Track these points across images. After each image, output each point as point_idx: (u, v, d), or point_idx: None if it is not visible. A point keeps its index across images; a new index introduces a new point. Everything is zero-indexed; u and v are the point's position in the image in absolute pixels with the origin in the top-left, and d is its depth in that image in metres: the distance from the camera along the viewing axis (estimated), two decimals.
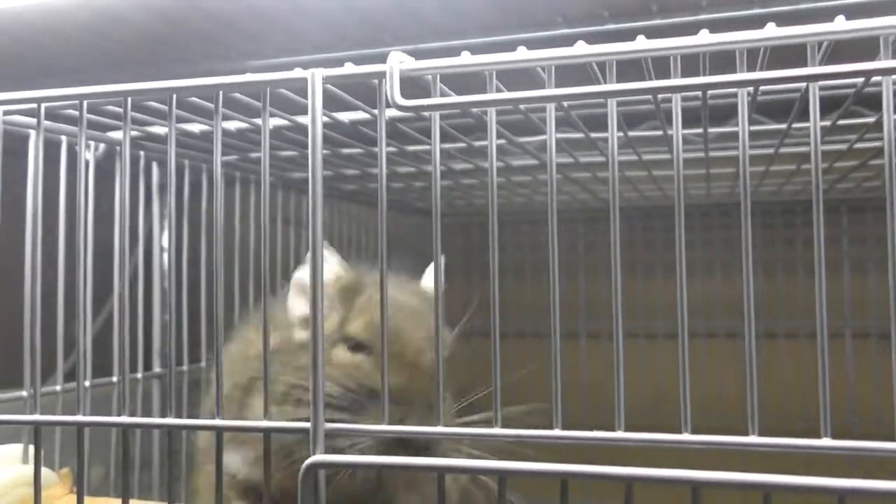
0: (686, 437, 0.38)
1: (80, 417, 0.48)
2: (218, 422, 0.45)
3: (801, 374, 1.05)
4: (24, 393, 0.59)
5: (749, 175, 0.39)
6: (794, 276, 1.08)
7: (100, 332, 0.76)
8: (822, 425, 0.37)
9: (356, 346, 0.53)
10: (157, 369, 0.82)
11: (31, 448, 0.61)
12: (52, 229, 0.61)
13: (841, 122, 0.61)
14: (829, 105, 0.55)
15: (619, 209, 0.40)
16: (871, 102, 0.58)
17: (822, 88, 0.41)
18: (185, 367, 0.81)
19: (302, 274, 0.56)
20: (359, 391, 0.50)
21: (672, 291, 0.39)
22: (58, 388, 0.66)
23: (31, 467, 0.59)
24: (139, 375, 0.79)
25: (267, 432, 0.44)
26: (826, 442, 0.36)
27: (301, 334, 0.55)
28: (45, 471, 0.53)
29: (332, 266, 0.56)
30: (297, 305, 0.56)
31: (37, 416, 0.49)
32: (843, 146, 0.71)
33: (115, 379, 0.72)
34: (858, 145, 0.69)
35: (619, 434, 0.38)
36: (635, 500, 0.36)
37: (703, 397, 0.51)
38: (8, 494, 0.57)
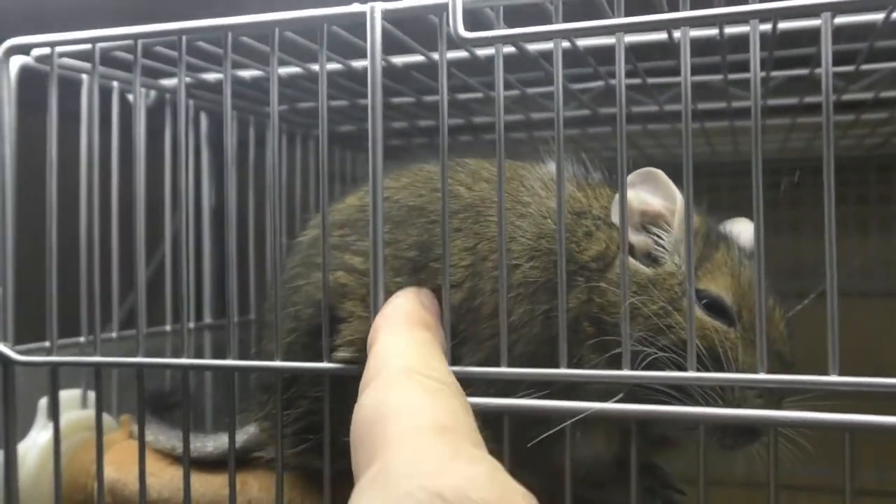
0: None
1: (139, 359, 0.48)
2: (278, 363, 0.45)
3: None
4: (82, 339, 0.59)
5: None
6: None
7: (149, 283, 0.77)
8: None
9: (712, 306, 0.47)
10: (207, 320, 0.82)
11: (90, 393, 0.62)
12: (103, 179, 0.61)
13: None
14: None
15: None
16: None
17: None
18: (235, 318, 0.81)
19: (654, 172, 0.48)
20: (715, 358, 0.44)
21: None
22: (114, 334, 0.66)
23: (90, 412, 0.60)
24: (191, 325, 0.79)
25: (327, 373, 0.44)
26: None
27: (637, 237, 0.48)
28: (104, 416, 0.54)
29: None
30: (645, 197, 0.48)
31: (98, 358, 0.49)
32: None
33: (167, 328, 0.73)
34: None
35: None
36: None
37: None
38: (68, 438, 0.58)
